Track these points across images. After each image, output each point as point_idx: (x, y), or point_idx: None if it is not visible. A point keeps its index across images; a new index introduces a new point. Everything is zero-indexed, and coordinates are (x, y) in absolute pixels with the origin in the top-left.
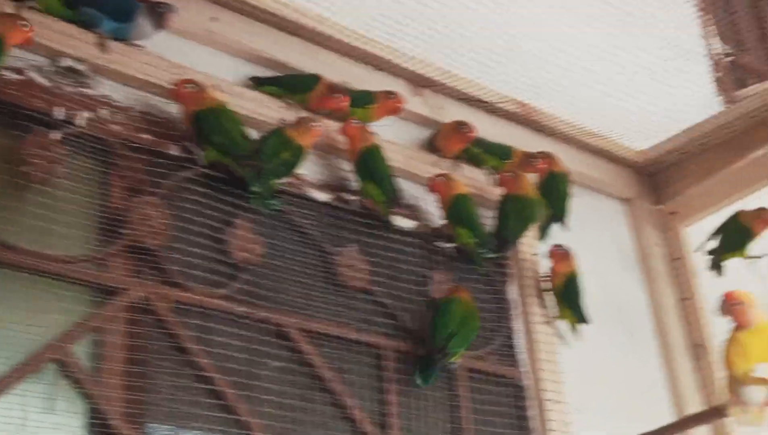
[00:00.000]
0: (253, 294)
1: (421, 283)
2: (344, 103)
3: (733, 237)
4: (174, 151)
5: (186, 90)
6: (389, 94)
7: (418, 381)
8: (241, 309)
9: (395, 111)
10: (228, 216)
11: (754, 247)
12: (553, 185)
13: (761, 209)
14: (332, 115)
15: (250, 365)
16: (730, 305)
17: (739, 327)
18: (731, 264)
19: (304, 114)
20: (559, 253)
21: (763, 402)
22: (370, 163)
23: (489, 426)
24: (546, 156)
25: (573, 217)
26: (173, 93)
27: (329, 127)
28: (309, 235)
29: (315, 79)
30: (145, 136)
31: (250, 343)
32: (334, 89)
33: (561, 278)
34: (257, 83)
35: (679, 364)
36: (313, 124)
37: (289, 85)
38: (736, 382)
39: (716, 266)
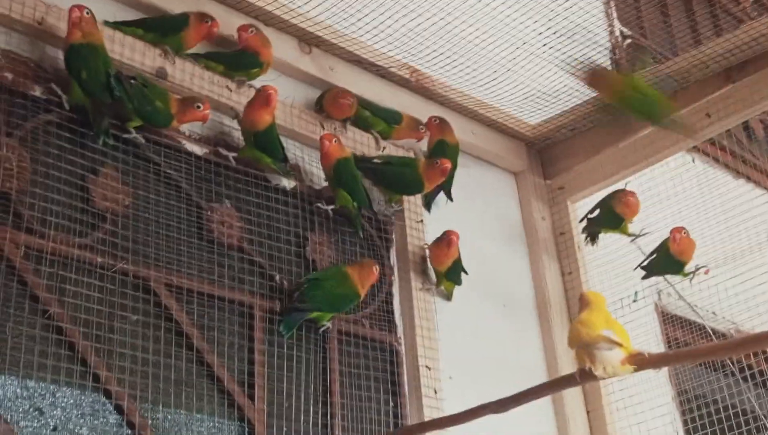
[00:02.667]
0: (115, 245)
1: (298, 243)
2: (215, 27)
3: (609, 218)
4: (37, 92)
5: (77, 18)
6: (203, 18)
7: (282, 330)
8: (101, 259)
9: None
10: (93, 163)
11: (632, 224)
12: (444, 152)
13: (622, 193)
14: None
15: (108, 318)
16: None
17: None
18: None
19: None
20: (454, 241)
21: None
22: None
23: (361, 390)
24: (437, 122)
25: (461, 188)
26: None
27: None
28: (181, 189)
29: (185, 16)
30: (5, 74)
31: (110, 295)
32: (204, 17)
33: (447, 264)
34: (122, 25)
35: (557, 336)
36: (199, 105)
37: (159, 27)
38: (587, 347)
39: (593, 237)
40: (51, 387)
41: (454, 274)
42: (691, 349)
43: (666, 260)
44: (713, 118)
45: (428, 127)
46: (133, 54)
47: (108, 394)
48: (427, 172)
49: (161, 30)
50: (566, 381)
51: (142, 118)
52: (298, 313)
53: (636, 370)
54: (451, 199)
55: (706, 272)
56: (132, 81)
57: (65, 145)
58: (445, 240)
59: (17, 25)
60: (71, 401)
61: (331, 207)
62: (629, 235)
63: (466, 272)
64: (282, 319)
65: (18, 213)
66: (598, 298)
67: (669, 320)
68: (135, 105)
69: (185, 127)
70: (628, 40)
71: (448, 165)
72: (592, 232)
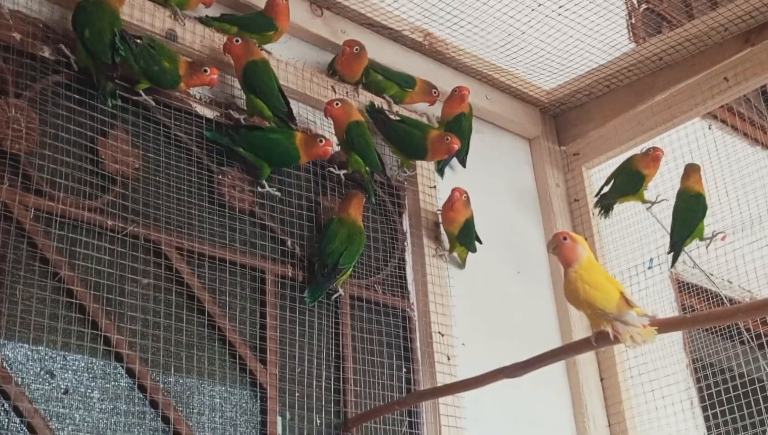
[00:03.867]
0: (126, 208)
1: (310, 208)
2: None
3: (627, 181)
4: (46, 53)
5: None
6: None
7: (307, 299)
8: (111, 222)
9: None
10: (103, 125)
11: (648, 191)
12: (461, 124)
13: (651, 149)
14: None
15: (118, 281)
16: (558, 242)
17: (568, 264)
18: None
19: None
20: (462, 200)
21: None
22: (255, 77)
23: (373, 356)
24: (464, 93)
25: (474, 153)
26: None
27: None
28: (192, 152)
29: None
30: (13, 34)
31: (121, 258)
32: None
33: (458, 224)
34: None
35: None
36: (206, 69)
37: None
38: (605, 314)
39: (606, 209)
40: (62, 350)
41: (466, 237)
42: (709, 312)
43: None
44: (731, 82)
45: (453, 98)
46: (143, 15)
47: (119, 358)
48: (434, 143)
49: None
50: (581, 345)
51: (149, 78)
52: (326, 280)
53: (659, 332)
54: (464, 166)
55: (723, 238)
56: (138, 41)
57: (74, 107)
58: (451, 199)
59: None
60: (82, 364)
61: (343, 171)
62: (645, 201)
63: (480, 241)
64: (308, 287)
65: (27, 175)
66: (586, 244)
67: (684, 288)
68: (141, 65)
69: (196, 90)
70: (645, 5)
71: (456, 146)
72: (606, 203)
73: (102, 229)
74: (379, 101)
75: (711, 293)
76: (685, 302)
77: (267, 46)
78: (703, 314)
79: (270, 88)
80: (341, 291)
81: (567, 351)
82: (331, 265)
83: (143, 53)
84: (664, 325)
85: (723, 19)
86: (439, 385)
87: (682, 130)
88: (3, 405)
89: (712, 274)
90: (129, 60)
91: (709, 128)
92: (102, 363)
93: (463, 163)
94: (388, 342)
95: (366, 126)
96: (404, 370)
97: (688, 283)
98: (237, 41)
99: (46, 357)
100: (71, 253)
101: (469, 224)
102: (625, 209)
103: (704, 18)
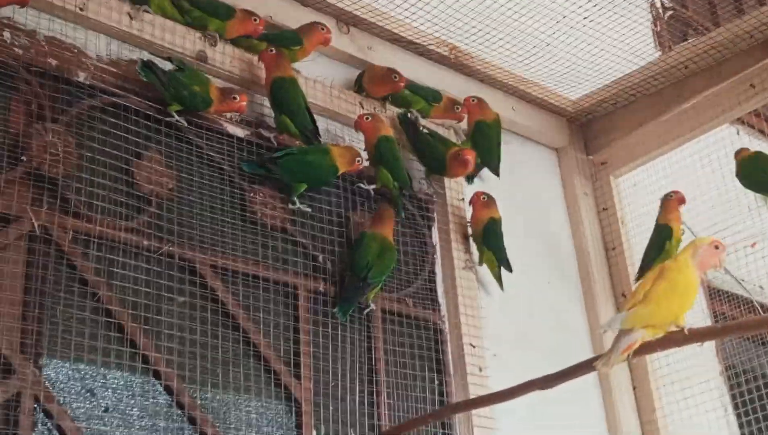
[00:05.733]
0: (160, 228)
1: (340, 223)
2: (261, 26)
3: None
4: (81, 78)
5: None
6: (251, 15)
7: (338, 314)
8: (147, 242)
9: (325, 42)
10: (137, 147)
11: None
12: (483, 132)
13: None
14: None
15: (155, 300)
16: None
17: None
18: None
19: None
20: (481, 201)
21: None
22: (281, 94)
23: (406, 368)
24: (475, 102)
25: (503, 164)
26: None
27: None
28: (224, 171)
29: (232, 8)
30: (50, 61)
31: (157, 277)
32: (251, 15)
33: (481, 224)
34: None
35: (602, 312)
36: (235, 96)
37: (210, 8)
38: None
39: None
40: (102, 369)
41: (490, 238)
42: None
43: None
44: (758, 89)
45: (466, 107)
46: (174, 38)
47: (157, 375)
48: (452, 160)
49: (208, 11)
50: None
51: (180, 102)
52: (355, 294)
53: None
54: (497, 175)
55: (753, 246)
56: (169, 62)
57: (109, 130)
58: (471, 202)
59: (59, 12)
60: (122, 383)
61: (372, 186)
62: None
63: (509, 269)
64: (339, 302)
65: (65, 198)
66: None
67: (715, 294)
68: (171, 91)
69: None
70: (670, 12)
71: (470, 158)
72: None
73: (138, 249)
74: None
75: (743, 299)
76: (716, 309)
77: (296, 65)
78: (734, 324)
79: (296, 106)
80: (373, 306)
81: None
82: (362, 280)
83: (172, 81)
84: (697, 336)
85: (748, 27)
86: (471, 396)
87: (711, 135)
88: (46, 424)
89: (743, 280)
90: (157, 86)
91: (738, 134)
92: (141, 381)
93: (496, 172)
94: (420, 354)
95: (395, 141)
96: (437, 382)
97: (719, 290)
98: (271, 50)
99: (87, 376)
100: (109, 274)
101: (492, 225)
102: (654, 217)
103: (729, 26)
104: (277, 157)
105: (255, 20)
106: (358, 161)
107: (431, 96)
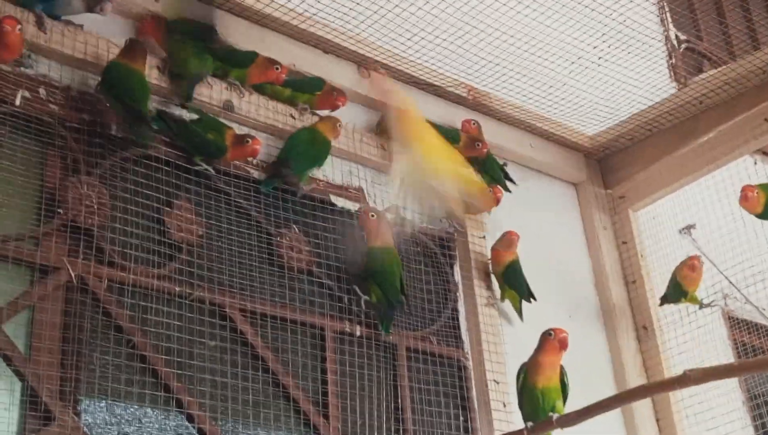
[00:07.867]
0: (191, 274)
1: None
2: (283, 73)
3: (675, 290)
4: (113, 130)
5: None
6: (273, 63)
7: (382, 330)
8: (178, 288)
9: (334, 107)
10: (168, 196)
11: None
12: (492, 165)
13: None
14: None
15: (187, 344)
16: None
17: None
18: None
19: None
20: (506, 240)
21: None
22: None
23: (431, 406)
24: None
25: (521, 201)
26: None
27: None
28: (251, 216)
29: (253, 54)
30: (83, 115)
31: (188, 322)
32: (273, 62)
33: (503, 265)
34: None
35: (624, 345)
36: (247, 139)
37: (228, 58)
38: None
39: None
40: (137, 412)
41: (512, 277)
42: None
43: (673, 287)
44: None
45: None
46: (200, 88)
47: (191, 418)
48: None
49: (229, 61)
50: (636, 393)
51: (195, 151)
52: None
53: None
54: (512, 181)
55: None
56: (186, 111)
57: (141, 181)
58: (506, 238)
59: (91, 68)
60: (156, 425)
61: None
62: (698, 303)
63: (534, 298)
64: (381, 319)
65: (100, 247)
66: None
67: (736, 324)
68: (181, 140)
69: None
70: (684, 44)
71: (500, 195)
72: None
73: (170, 296)
74: None
75: (765, 329)
76: (737, 339)
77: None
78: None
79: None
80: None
81: (622, 399)
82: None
83: (181, 130)
84: (711, 375)
85: (761, 63)
86: (496, 433)
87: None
88: None
89: (765, 309)
90: (168, 135)
91: (755, 164)
92: (174, 423)
93: (505, 184)
94: (445, 392)
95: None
96: (462, 418)
97: (740, 320)
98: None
99: (123, 420)
100: (143, 320)
101: (513, 265)
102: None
103: (742, 61)
104: (287, 161)
105: (277, 68)
106: (339, 126)
107: (451, 136)
